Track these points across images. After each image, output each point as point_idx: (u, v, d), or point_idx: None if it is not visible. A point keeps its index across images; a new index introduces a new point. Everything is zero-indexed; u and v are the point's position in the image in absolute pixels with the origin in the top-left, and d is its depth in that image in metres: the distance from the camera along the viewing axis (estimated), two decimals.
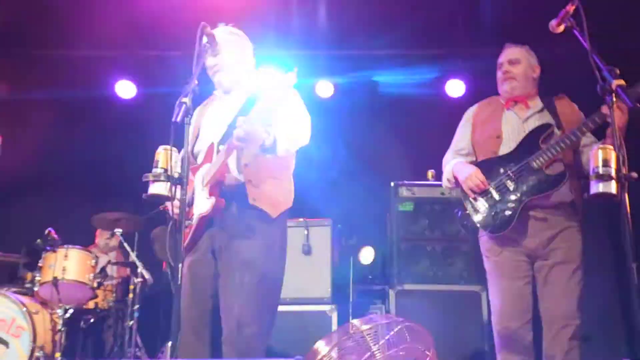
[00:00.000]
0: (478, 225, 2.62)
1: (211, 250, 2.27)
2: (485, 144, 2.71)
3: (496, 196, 2.57)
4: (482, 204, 2.60)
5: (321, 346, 1.98)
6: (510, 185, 2.54)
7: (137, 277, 4.29)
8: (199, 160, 2.36)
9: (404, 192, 4.16)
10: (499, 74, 2.80)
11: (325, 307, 3.84)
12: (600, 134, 2.54)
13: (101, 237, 5.00)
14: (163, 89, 5.28)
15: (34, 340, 3.74)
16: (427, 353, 1.92)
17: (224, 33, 2.41)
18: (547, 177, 2.51)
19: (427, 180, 4.23)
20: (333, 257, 4.03)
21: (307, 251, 4.02)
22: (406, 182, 4.17)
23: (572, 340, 2.45)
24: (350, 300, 4.06)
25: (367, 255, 4.70)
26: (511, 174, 2.55)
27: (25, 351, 3.72)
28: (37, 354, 3.74)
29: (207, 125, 2.43)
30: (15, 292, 3.99)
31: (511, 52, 2.78)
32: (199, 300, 2.24)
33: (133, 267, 4.37)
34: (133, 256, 4.34)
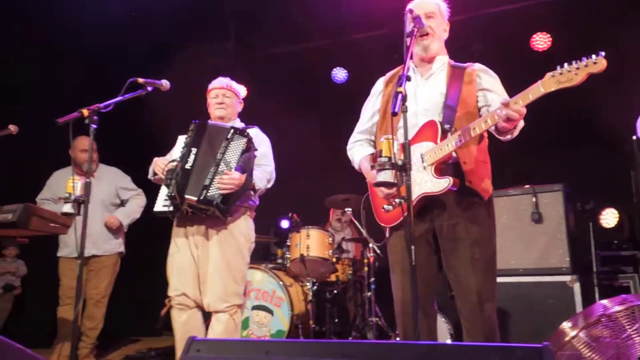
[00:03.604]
0: None
1: (431, 229, 2.33)
2: None
3: None
4: None
5: (567, 327, 1.88)
6: None
7: (369, 251, 4.61)
8: (409, 135, 2.39)
9: None
10: None
11: (565, 278, 3.60)
12: None
13: (334, 216, 5.49)
14: (373, 70, 5.49)
15: (292, 309, 4.34)
16: None
17: (432, 3, 2.43)
18: None
19: None
20: (568, 223, 3.74)
21: (538, 219, 3.80)
22: None
23: None
24: (594, 269, 3.73)
25: (609, 218, 4.24)
26: None
27: (286, 318, 4.35)
28: (295, 321, 4.35)
29: (413, 98, 2.36)
30: (272, 269, 4.65)
31: None
32: (424, 277, 2.28)
33: (365, 242, 4.71)
34: (364, 232, 4.66)
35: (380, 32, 5.48)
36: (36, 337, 4.37)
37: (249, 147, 2.89)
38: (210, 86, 3.20)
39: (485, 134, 2.34)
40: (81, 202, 2.47)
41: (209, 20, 5.59)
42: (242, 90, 6.31)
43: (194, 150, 2.89)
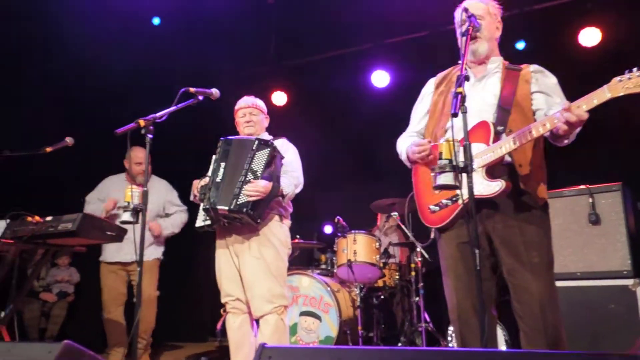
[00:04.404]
0: None
1: (483, 231, 2.26)
2: None
3: None
4: None
5: None
6: None
7: (417, 256, 4.54)
8: (459, 136, 2.33)
9: None
10: None
11: (627, 282, 3.44)
12: None
13: (380, 220, 5.45)
14: (413, 74, 5.45)
15: (340, 314, 4.32)
16: None
17: (478, 5, 2.39)
18: None
19: None
20: (628, 224, 3.58)
21: (595, 220, 3.66)
22: None
23: None
24: None
25: None
26: None
27: (334, 324, 4.33)
28: (343, 327, 4.31)
29: (467, 99, 2.33)
30: (319, 274, 4.64)
31: None
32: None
33: (412, 246, 4.64)
34: (411, 237, 4.60)
35: (419, 35, 5.43)
36: (91, 342, 4.47)
37: (274, 156, 3.05)
38: (237, 106, 3.38)
39: (542, 138, 2.26)
40: (139, 211, 2.52)
41: (249, 31, 5.65)
42: (282, 98, 6.39)
43: (222, 164, 3.06)
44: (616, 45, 4.77)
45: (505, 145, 2.12)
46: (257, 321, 3.14)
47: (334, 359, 1.37)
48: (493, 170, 2.20)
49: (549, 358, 1.09)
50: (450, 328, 4.07)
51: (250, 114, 3.31)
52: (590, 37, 4.96)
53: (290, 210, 3.28)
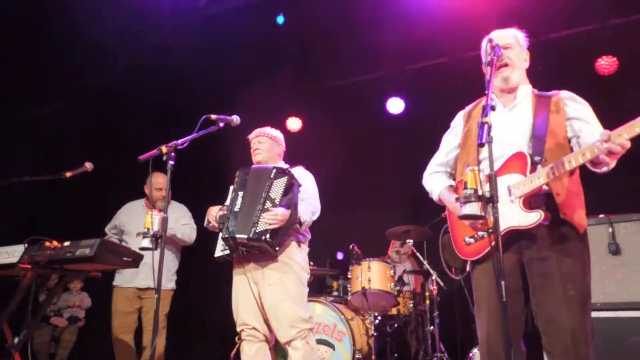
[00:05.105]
0: None
1: (519, 263, 2.23)
2: None
3: None
4: None
5: None
6: None
7: (432, 284, 4.48)
8: (495, 166, 2.33)
9: None
10: None
11: None
12: None
13: (393, 247, 5.40)
14: (428, 101, 5.50)
15: (354, 343, 4.25)
16: None
17: (508, 34, 2.40)
18: None
19: None
20: None
21: (615, 250, 3.61)
22: None
23: None
24: None
25: None
26: None
27: (348, 353, 4.26)
28: (357, 355, 4.24)
29: (497, 129, 2.25)
30: (332, 302, 4.58)
31: None
32: (512, 315, 2.14)
33: (427, 274, 4.59)
34: (425, 264, 4.55)
35: (437, 62, 5.47)
36: None
37: (292, 184, 3.07)
38: (249, 138, 3.43)
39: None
40: (159, 237, 2.51)
41: (264, 57, 5.72)
42: (296, 124, 6.43)
43: (240, 193, 3.07)
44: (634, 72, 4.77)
45: (543, 175, 2.09)
46: (272, 349, 3.12)
47: None
48: (531, 201, 2.17)
49: None
50: (468, 357, 4.00)
51: (259, 142, 3.35)
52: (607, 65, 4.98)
53: (309, 237, 3.29)
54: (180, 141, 2.60)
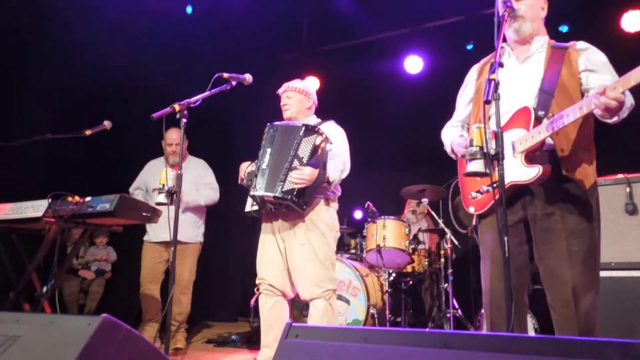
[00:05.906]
0: None
1: (523, 218, 2.24)
2: None
3: None
4: None
5: None
6: None
7: (446, 243, 4.52)
8: (502, 122, 2.30)
9: None
10: None
11: None
12: None
13: (409, 207, 5.43)
14: (446, 59, 5.39)
15: (368, 299, 4.35)
16: None
17: None
18: None
19: None
20: None
21: (632, 210, 3.57)
22: None
23: None
24: None
25: None
26: None
27: (362, 308, 4.37)
28: (371, 310, 4.35)
29: (507, 84, 2.24)
30: (348, 258, 4.67)
31: None
32: (515, 268, 2.19)
33: (442, 233, 4.62)
34: (441, 223, 4.58)
35: (454, 20, 5.34)
36: (126, 318, 4.63)
37: (321, 142, 3.01)
38: (278, 93, 3.36)
39: (590, 117, 2.15)
40: (173, 193, 2.59)
41: (281, 15, 5.66)
42: (312, 85, 6.35)
43: (268, 150, 3.03)
44: None
45: (543, 130, 2.07)
46: (291, 302, 3.19)
47: (360, 339, 1.40)
48: (533, 156, 2.15)
49: (573, 344, 1.10)
50: (480, 313, 4.07)
51: (287, 97, 3.29)
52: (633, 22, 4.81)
53: (339, 193, 3.25)
54: (192, 99, 2.65)
